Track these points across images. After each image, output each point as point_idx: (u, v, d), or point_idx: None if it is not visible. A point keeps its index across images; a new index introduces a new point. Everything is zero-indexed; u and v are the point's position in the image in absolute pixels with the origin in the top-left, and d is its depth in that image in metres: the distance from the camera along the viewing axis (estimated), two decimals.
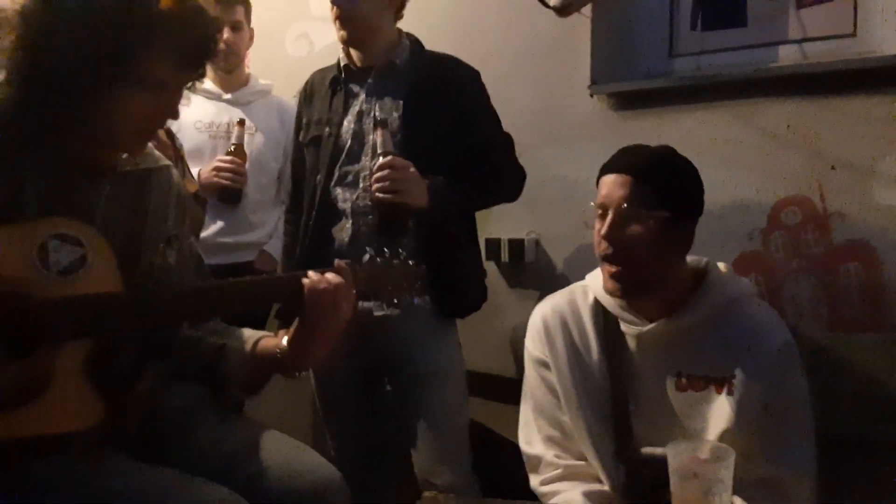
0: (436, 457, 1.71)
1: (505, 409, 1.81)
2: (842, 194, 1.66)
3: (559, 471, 1.34)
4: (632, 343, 1.31)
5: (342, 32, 1.76)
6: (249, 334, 1.26)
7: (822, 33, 1.80)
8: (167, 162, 1.30)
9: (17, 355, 1.02)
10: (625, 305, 1.32)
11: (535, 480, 1.37)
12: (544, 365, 1.38)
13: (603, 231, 1.26)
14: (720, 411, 1.22)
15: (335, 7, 1.71)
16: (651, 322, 1.28)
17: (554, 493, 1.31)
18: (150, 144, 1.27)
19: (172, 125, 2.07)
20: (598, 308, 1.36)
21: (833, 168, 1.67)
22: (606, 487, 1.29)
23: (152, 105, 1.11)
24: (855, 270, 1.65)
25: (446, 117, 1.73)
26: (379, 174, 1.60)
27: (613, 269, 1.26)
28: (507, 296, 2.16)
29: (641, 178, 1.25)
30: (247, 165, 2.19)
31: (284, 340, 1.19)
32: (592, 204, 1.32)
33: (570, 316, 1.38)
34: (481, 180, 1.76)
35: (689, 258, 1.34)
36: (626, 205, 1.24)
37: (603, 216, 1.27)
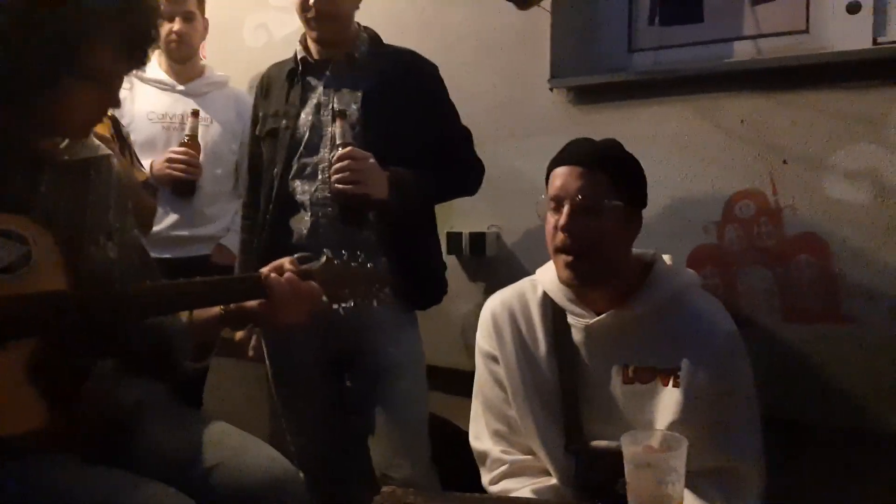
0: (395, 450, 1.70)
1: (465, 403, 1.80)
2: (794, 188, 1.69)
3: (505, 467, 1.34)
4: (579, 336, 1.32)
5: (317, 32, 1.74)
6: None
7: (776, 29, 1.84)
8: (107, 151, 1.27)
9: None
10: (573, 298, 1.32)
11: (484, 478, 1.37)
12: (493, 359, 1.38)
13: (562, 222, 1.26)
14: (667, 403, 1.23)
15: (314, 8, 1.68)
16: (598, 314, 1.29)
17: (503, 492, 1.31)
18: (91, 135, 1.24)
19: (123, 118, 2.03)
20: (547, 301, 1.37)
21: (785, 162, 1.70)
22: (555, 481, 1.29)
23: (94, 95, 1.09)
24: (807, 262, 1.68)
25: (405, 110, 1.72)
26: (338, 165, 1.59)
27: (569, 258, 1.26)
28: (469, 289, 2.16)
29: (595, 170, 1.25)
30: (201, 157, 2.15)
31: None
32: (543, 197, 1.32)
33: (519, 310, 1.38)
34: (441, 173, 1.76)
35: (636, 250, 1.36)
36: (581, 196, 1.24)
37: (557, 208, 1.28)
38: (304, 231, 1.71)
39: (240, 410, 2.45)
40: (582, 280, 1.28)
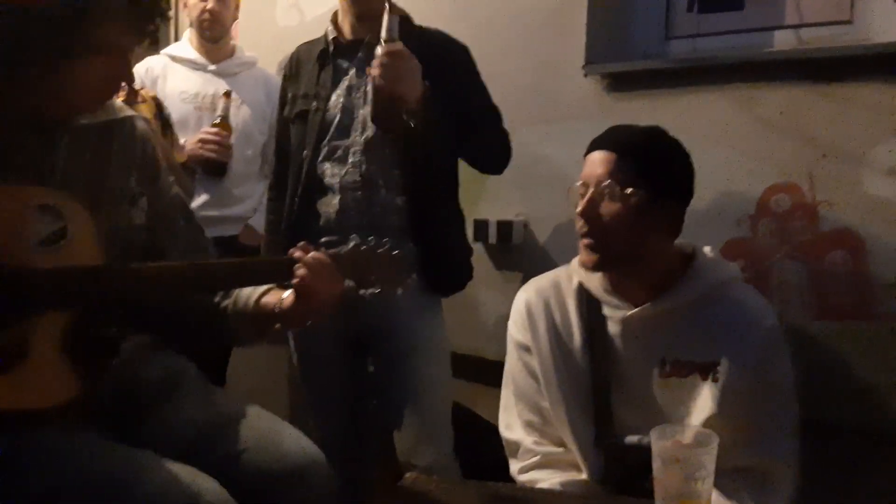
0: (418, 437, 1.70)
1: (489, 392, 1.80)
2: (832, 182, 1.65)
3: (537, 458, 1.33)
4: (615, 328, 1.30)
5: (357, 8, 1.71)
6: (251, 289, 1.25)
7: (819, 19, 1.78)
8: (130, 112, 1.26)
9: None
10: (609, 289, 1.31)
11: (514, 467, 1.36)
12: (526, 349, 1.37)
13: (579, 208, 1.24)
14: (704, 398, 1.21)
15: None
16: (635, 306, 1.27)
17: (532, 482, 1.30)
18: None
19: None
20: (582, 292, 1.35)
21: (824, 156, 1.66)
22: (585, 476, 1.28)
23: (104, 69, 1.07)
24: (842, 259, 1.64)
25: (436, 90, 1.70)
26: (384, 60, 1.54)
27: (587, 241, 1.25)
28: (494, 278, 2.14)
29: (624, 156, 1.23)
30: (232, 138, 2.16)
31: (286, 297, 1.19)
32: (578, 183, 1.30)
33: (554, 299, 1.36)
34: (468, 135, 1.72)
35: (675, 242, 1.33)
36: (605, 182, 1.22)
37: (585, 194, 1.26)
38: (332, 214, 1.71)
39: (259, 391, 2.47)
40: (599, 264, 1.26)
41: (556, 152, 2.02)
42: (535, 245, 2.09)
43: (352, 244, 1.26)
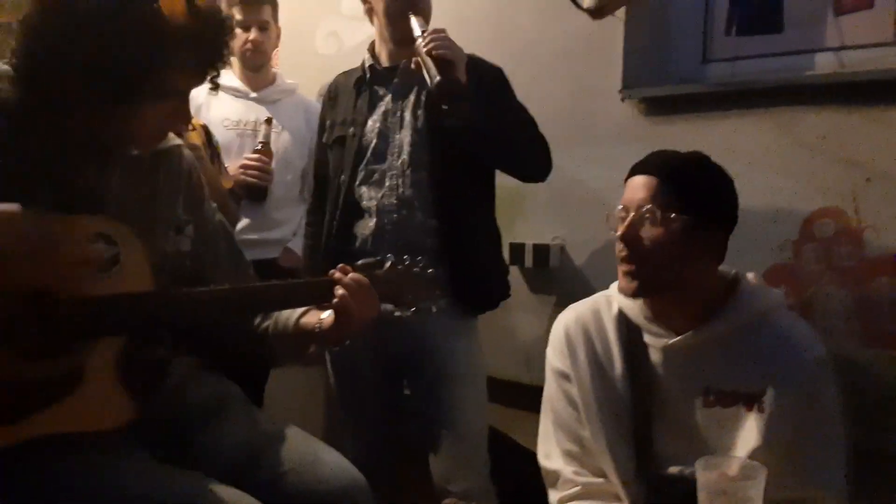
0: (454, 461, 1.69)
1: (525, 417, 1.78)
2: (877, 207, 1.62)
3: (577, 489, 1.30)
4: (657, 356, 1.28)
5: (396, 31, 1.75)
6: (290, 311, 1.28)
7: (861, 41, 1.76)
8: (178, 141, 1.29)
9: (48, 353, 1.02)
10: (650, 316, 1.29)
11: (553, 497, 1.34)
12: (565, 377, 1.36)
13: (619, 232, 1.23)
14: (750, 429, 1.18)
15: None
16: (677, 335, 1.25)
17: None
18: None
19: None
20: (623, 319, 1.33)
21: (868, 180, 1.63)
22: None
23: (166, 112, 1.11)
24: (889, 285, 1.60)
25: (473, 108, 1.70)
26: (435, 35, 1.57)
27: (626, 268, 1.23)
28: (531, 301, 2.14)
29: (666, 180, 1.22)
30: (273, 163, 2.20)
31: (325, 317, 1.22)
32: (618, 207, 1.30)
33: (594, 327, 1.35)
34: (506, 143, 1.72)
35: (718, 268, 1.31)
36: (646, 206, 1.21)
37: (625, 218, 1.25)
38: (369, 236, 1.73)
39: (295, 412, 2.49)
40: (638, 290, 1.24)
41: (594, 176, 2.02)
42: (571, 269, 2.08)
43: (388, 264, 1.28)
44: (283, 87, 2.38)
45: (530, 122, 1.79)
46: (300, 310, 1.27)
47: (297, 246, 2.25)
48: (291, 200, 2.34)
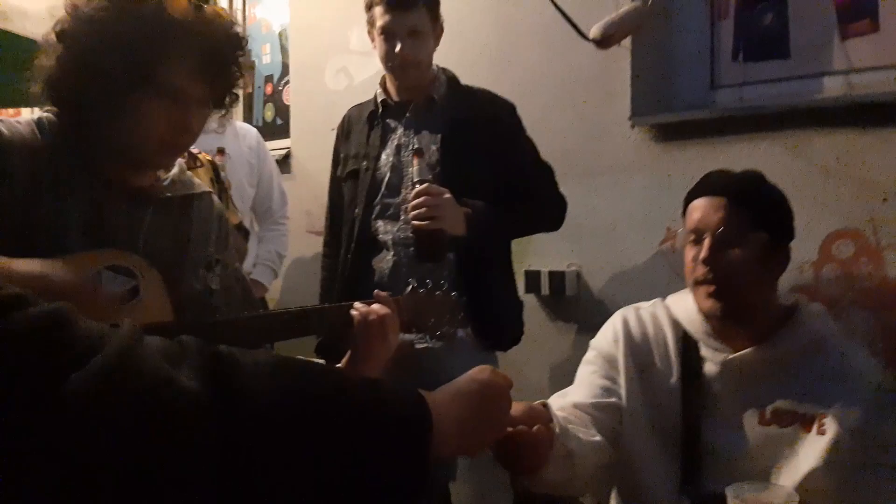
0: (475, 493, 1.67)
1: None
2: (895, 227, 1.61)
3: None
4: (714, 370, 1.26)
5: (400, 80, 1.79)
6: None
7: (868, 64, 1.78)
8: (207, 188, 1.32)
9: None
10: (710, 331, 1.27)
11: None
12: (611, 363, 1.32)
13: (703, 255, 1.22)
14: (808, 450, 1.16)
15: (400, 57, 1.72)
16: (735, 351, 1.25)
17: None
18: (189, 172, 1.28)
19: None
20: (680, 330, 1.32)
21: (885, 200, 1.63)
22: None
23: (169, 114, 1.10)
24: None
25: (484, 150, 1.73)
26: (415, 201, 1.60)
27: (712, 289, 1.22)
28: (548, 329, 2.13)
29: (737, 200, 1.22)
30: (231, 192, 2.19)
31: (338, 367, 1.18)
32: (681, 230, 1.30)
33: (652, 329, 1.33)
34: (521, 207, 1.75)
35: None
36: (724, 227, 1.21)
37: (697, 241, 1.24)
38: (386, 270, 1.73)
39: None
40: (726, 313, 1.23)
41: (607, 202, 2.02)
42: (588, 295, 2.08)
43: (409, 288, 1.27)
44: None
45: (545, 173, 1.82)
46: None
47: (260, 276, 2.29)
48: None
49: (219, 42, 1.12)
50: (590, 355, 1.38)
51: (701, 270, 1.22)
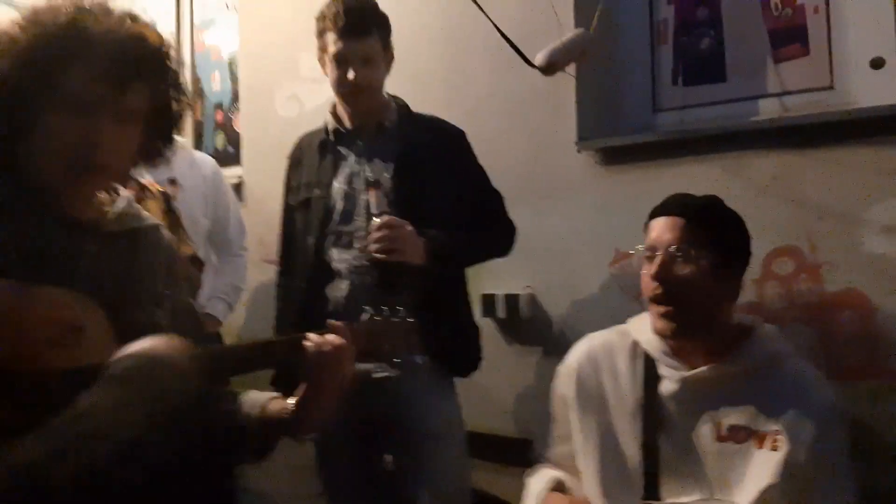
0: None
1: (502, 470, 1.77)
2: (832, 244, 1.68)
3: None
4: (671, 387, 1.29)
5: (352, 107, 1.80)
6: (257, 396, 1.22)
7: (801, 86, 1.86)
8: (156, 221, 1.28)
9: (11, 429, 0.99)
10: (667, 350, 1.31)
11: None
12: (565, 402, 1.38)
13: (653, 271, 1.26)
14: (762, 466, 1.19)
15: (352, 84, 1.73)
16: (692, 369, 1.28)
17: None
18: (137, 205, 1.26)
19: None
20: (638, 351, 1.35)
21: (820, 218, 1.70)
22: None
23: (73, 127, 1.05)
24: (850, 318, 1.66)
25: (436, 177, 1.75)
26: (376, 234, 1.61)
27: (663, 309, 1.26)
28: (505, 352, 2.14)
29: (693, 221, 1.27)
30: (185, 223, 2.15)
31: (291, 402, 1.16)
32: (639, 247, 1.33)
33: (605, 361, 1.37)
34: (475, 235, 1.77)
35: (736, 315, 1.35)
36: (676, 245, 1.25)
37: (652, 258, 1.28)
38: (341, 299, 1.73)
39: (287, 486, 2.41)
40: (676, 331, 1.27)
41: (556, 224, 2.06)
42: (544, 317, 2.10)
43: (367, 315, 1.26)
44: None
45: (495, 201, 1.86)
46: (263, 399, 1.20)
47: (214, 309, 2.27)
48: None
49: (127, 48, 1.07)
50: (552, 399, 1.42)
51: (652, 286, 1.26)
